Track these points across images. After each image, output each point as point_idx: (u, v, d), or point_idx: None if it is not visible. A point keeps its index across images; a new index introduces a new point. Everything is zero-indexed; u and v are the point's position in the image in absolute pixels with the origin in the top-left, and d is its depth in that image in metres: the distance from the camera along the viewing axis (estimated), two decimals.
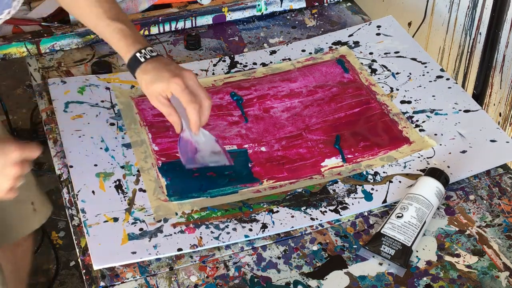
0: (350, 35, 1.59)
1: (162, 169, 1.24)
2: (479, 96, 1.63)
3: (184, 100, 1.13)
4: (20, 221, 1.48)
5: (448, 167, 1.25)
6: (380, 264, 1.11)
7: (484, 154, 1.29)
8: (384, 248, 1.10)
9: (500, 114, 1.84)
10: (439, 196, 1.17)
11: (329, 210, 1.19)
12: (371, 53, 1.53)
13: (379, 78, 1.46)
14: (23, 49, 1.51)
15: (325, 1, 1.71)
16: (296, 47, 1.56)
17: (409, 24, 2.03)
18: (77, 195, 1.19)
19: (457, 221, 1.18)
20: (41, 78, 1.47)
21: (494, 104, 1.85)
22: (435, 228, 1.17)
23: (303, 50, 1.55)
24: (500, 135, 1.32)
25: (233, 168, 1.25)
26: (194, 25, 1.62)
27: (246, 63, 1.51)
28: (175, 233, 1.14)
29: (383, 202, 1.20)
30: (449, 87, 1.44)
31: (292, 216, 1.18)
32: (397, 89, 1.43)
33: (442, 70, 1.48)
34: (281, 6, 1.67)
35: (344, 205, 1.20)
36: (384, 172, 1.25)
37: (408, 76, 1.47)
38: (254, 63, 1.51)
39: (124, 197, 1.20)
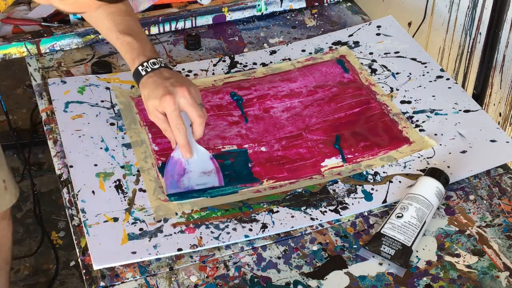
0: (350, 35, 1.59)
1: (162, 169, 1.24)
2: (479, 96, 1.63)
3: (171, 123, 1.16)
4: None
5: (448, 167, 1.26)
6: (380, 264, 1.11)
7: (484, 154, 1.29)
8: (384, 248, 1.10)
9: (500, 114, 1.84)
10: (439, 196, 1.17)
11: (329, 210, 1.19)
12: (371, 53, 1.53)
13: (379, 78, 1.46)
14: (23, 49, 1.51)
15: (325, 1, 1.71)
16: (296, 47, 1.56)
17: (409, 24, 2.03)
18: (77, 195, 1.19)
19: (457, 221, 1.18)
20: (41, 78, 1.47)
21: (494, 104, 1.85)
22: (435, 228, 1.17)
23: (303, 50, 1.55)
24: (500, 135, 1.32)
25: (233, 168, 1.25)
26: (194, 25, 1.62)
27: (246, 63, 1.51)
28: (175, 233, 1.14)
29: (383, 202, 1.20)
30: (449, 87, 1.44)
31: (292, 216, 1.18)
32: (397, 89, 1.43)
33: (442, 70, 1.48)
34: (281, 6, 1.67)
35: (344, 205, 1.20)
36: (384, 172, 1.25)
37: (408, 76, 1.47)
38: (254, 63, 1.51)
39: (124, 197, 1.20)
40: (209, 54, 1.55)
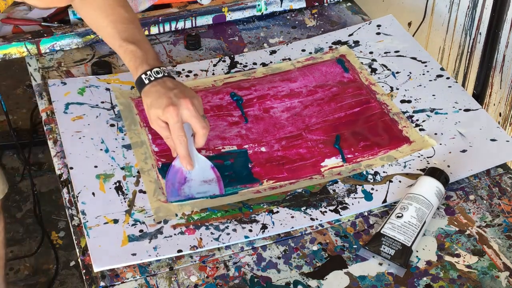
0: (350, 35, 1.59)
1: (162, 170, 1.24)
2: (479, 96, 1.63)
3: (173, 135, 1.17)
4: None
5: (448, 166, 1.25)
6: (380, 264, 1.11)
7: (484, 153, 1.28)
8: (384, 248, 1.10)
9: (500, 114, 1.84)
10: (439, 196, 1.17)
11: (329, 210, 1.19)
12: (371, 53, 1.53)
13: (379, 78, 1.46)
14: (23, 49, 1.51)
15: (325, 1, 1.71)
16: (296, 47, 1.56)
17: (409, 24, 2.03)
18: (77, 197, 1.19)
19: (457, 221, 1.18)
20: (41, 78, 1.47)
21: (494, 104, 1.85)
22: (435, 228, 1.17)
23: (303, 50, 1.55)
24: (500, 134, 1.32)
25: (233, 169, 1.25)
26: (194, 25, 1.62)
27: (246, 63, 1.51)
28: (175, 234, 1.14)
29: (383, 202, 1.20)
30: (449, 86, 1.44)
31: (292, 217, 1.18)
32: (397, 89, 1.43)
33: (442, 69, 1.48)
34: (281, 6, 1.67)
35: (344, 205, 1.20)
36: (384, 172, 1.25)
37: (408, 75, 1.47)
38: (254, 63, 1.51)
39: (124, 198, 1.20)
40: (209, 54, 1.55)
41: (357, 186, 1.23)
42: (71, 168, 1.24)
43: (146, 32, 1.58)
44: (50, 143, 1.32)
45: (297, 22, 1.66)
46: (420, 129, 1.34)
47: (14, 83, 2.76)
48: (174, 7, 1.63)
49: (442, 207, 1.20)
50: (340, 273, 1.10)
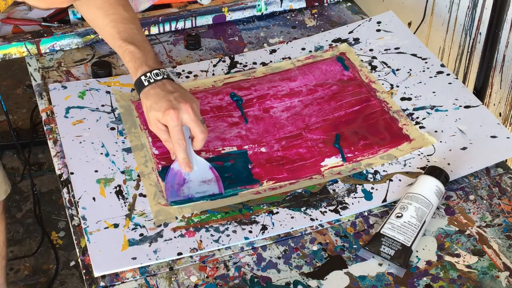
0: (350, 32, 1.59)
1: (163, 173, 1.24)
2: (479, 96, 1.63)
3: (172, 138, 1.18)
4: None
5: (449, 164, 1.25)
6: (380, 264, 1.11)
7: (484, 150, 1.28)
8: (383, 248, 1.10)
9: (500, 114, 1.84)
10: (439, 195, 1.17)
11: (329, 210, 1.19)
12: (371, 50, 1.53)
13: (379, 75, 1.46)
14: (23, 49, 1.51)
15: (325, 1, 1.71)
16: (296, 46, 1.56)
17: (409, 24, 2.03)
18: (78, 202, 1.19)
19: (457, 221, 1.18)
20: (41, 78, 1.47)
21: (494, 104, 1.85)
22: (435, 228, 1.16)
23: (303, 49, 1.55)
24: (501, 130, 1.32)
25: (233, 170, 1.25)
26: (194, 25, 1.62)
27: (246, 63, 1.51)
28: (175, 237, 1.14)
29: (383, 201, 1.20)
30: (450, 83, 1.44)
31: (292, 217, 1.18)
32: (397, 86, 1.43)
33: (442, 65, 1.48)
34: (281, 6, 1.67)
35: (344, 205, 1.20)
36: (384, 171, 1.25)
37: (408, 72, 1.47)
38: (254, 63, 1.51)
39: (125, 202, 1.19)
40: (209, 54, 1.55)
41: (357, 186, 1.23)
42: (72, 173, 1.24)
43: (146, 32, 1.58)
44: (50, 143, 1.32)
45: (297, 22, 1.66)
46: (420, 127, 1.34)
47: (14, 83, 2.76)
48: (174, 7, 1.63)
49: (442, 207, 1.20)
50: (340, 273, 1.10)
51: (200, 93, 1.41)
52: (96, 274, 1.08)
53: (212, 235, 1.14)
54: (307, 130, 1.34)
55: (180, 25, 1.61)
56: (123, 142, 1.31)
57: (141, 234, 1.14)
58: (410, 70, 1.47)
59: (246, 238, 1.14)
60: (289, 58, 1.52)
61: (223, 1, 1.64)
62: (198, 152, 1.24)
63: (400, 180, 1.24)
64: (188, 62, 1.52)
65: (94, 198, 1.20)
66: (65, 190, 1.23)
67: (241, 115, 1.37)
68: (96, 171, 1.25)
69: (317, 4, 1.70)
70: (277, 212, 1.18)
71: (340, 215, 1.18)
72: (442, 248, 1.13)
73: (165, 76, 1.22)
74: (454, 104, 1.39)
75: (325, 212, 1.19)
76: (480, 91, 1.62)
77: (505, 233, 1.16)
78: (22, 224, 2.25)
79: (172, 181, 1.21)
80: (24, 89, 2.74)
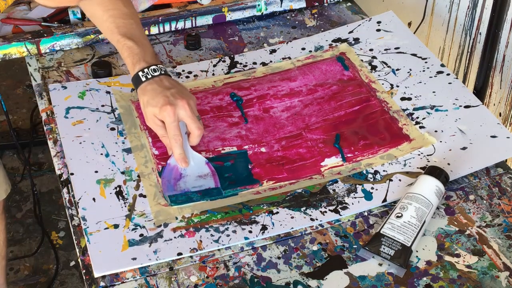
0: (350, 32, 1.59)
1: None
2: (479, 96, 1.63)
3: (169, 134, 1.19)
4: None
5: (448, 164, 1.25)
6: (380, 264, 1.11)
7: (484, 150, 1.28)
8: (383, 248, 1.10)
9: (500, 114, 1.84)
10: (438, 195, 1.17)
11: (329, 210, 1.19)
12: (371, 50, 1.53)
13: (379, 75, 1.46)
14: (23, 49, 1.51)
15: (325, 1, 1.71)
16: (296, 46, 1.56)
17: (409, 24, 2.03)
18: (78, 202, 1.19)
19: (457, 221, 1.18)
20: (41, 78, 1.47)
21: (494, 104, 1.85)
22: (435, 228, 1.16)
23: (303, 49, 1.55)
24: (501, 130, 1.32)
25: (233, 170, 1.25)
26: (194, 25, 1.62)
27: (246, 63, 1.51)
28: (175, 237, 1.14)
29: (383, 201, 1.20)
30: (450, 83, 1.44)
31: (292, 217, 1.18)
32: (397, 86, 1.43)
33: (442, 65, 1.48)
34: (281, 6, 1.67)
35: (344, 205, 1.20)
36: (384, 171, 1.25)
37: (408, 72, 1.47)
38: (254, 63, 1.51)
39: (125, 203, 1.19)
40: (209, 54, 1.55)
41: (357, 186, 1.23)
42: (72, 174, 1.24)
43: (146, 32, 1.58)
44: (50, 143, 1.32)
45: (297, 22, 1.66)
46: (420, 127, 1.34)
47: (14, 83, 2.76)
48: (174, 7, 1.63)
49: (442, 207, 1.20)
50: (340, 273, 1.10)
51: (200, 93, 1.41)
52: (96, 274, 1.08)
53: (212, 235, 1.14)
54: (307, 130, 1.34)
55: (180, 25, 1.61)
56: (123, 143, 1.31)
57: (141, 235, 1.14)
58: (410, 70, 1.47)
59: (246, 238, 1.14)
60: (289, 58, 1.52)
61: (223, 1, 1.64)
62: (198, 151, 1.24)
63: (400, 180, 1.24)
64: (188, 62, 1.52)
65: (94, 199, 1.20)
66: (65, 190, 1.23)
67: (241, 115, 1.37)
68: (96, 171, 1.25)
69: (317, 4, 1.70)
70: (277, 212, 1.18)
71: (340, 215, 1.18)
72: (442, 248, 1.13)
73: (163, 72, 1.22)
74: (454, 104, 1.39)
75: (325, 212, 1.19)
76: (480, 91, 1.62)
77: (505, 233, 1.16)
78: (22, 224, 2.25)
79: (169, 176, 1.21)
80: (24, 89, 2.74)
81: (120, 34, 1.26)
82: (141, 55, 1.23)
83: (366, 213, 1.19)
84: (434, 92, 1.41)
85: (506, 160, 1.30)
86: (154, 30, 1.59)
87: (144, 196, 1.21)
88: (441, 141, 1.30)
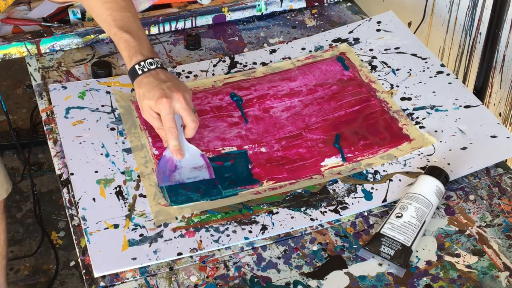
0: (350, 32, 1.59)
1: None
2: (479, 96, 1.63)
3: (164, 126, 1.20)
4: None
5: (449, 164, 1.25)
6: (380, 264, 1.11)
7: (484, 150, 1.28)
8: (383, 248, 1.10)
9: (500, 114, 1.84)
10: (438, 195, 1.17)
11: (329, 210, 1.19)
12: (371, 50, 1.53)
13: (379, 75, 1.46)
14: (23, 49, 1.51)
15: (325, 1, 1.71)
16: (296, 45, 1.56)
17: (409, 24, 2.03)
18: (78, 202, 1.19)
19: (457, 221, 1.18)
20: (41, 78, 1.47)
21: (494, 104, 1.85)
22: (435, 228, 1.16)
23: (303, 49, 1.55)
24: (501, 130, 1.32)
25: (233, 170, 1.25)
26: (194, 25, 1.62)
27: (246, 63, 1.51)
28: (175, 237, 1.14)
29: (383, 201, 1.20)
30: (450, 83, 1.44)
31: (292, 217, 1.18)
32: (397, 86, 1.43)
33: (442, 65, 1.48)
34: (281, 6, 1.67)
35: (344, 205, 1.20)
36: (384, 171, 1.25)
37: (408, 72, 1.47)
38: (254, 63, 1.51)
39: (125, 203, 1.19)
40: (209, 54, 1.55)
41: (357, 186, 1.23)
42: (72, 174, 1.24)
43: (146, 32, 1.58)
44: (50, 143, 1.32)
45: (297, 22, 1.66)
46: (420, 127, 1.34)
47: (14, 83, 2.76)
48: (174, 7, 1.63)
49: (442, 207, 1.20)
50: (340, 273, 1.10)
51: (200, 93, 1.41)
52: (96, 274, 1.08)
53: (212, 235, 1.14)
54: (307, 130, 1.34)
55: (180, 25, 1.61)
56: (123, 143, 1.31)
57: (141, 235, 1.14)
58: (410, 70, 1.47)
59: (246, 238, 1.14)
60: (289, 58, 1.52)
61: (223, 1, 1.64)
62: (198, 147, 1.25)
63: (400, 180, 1.24)
64: (188, 62, 1.52)
65: (94, 199, 1.20)
66: (65, 190, 1.23)
67: (241, 115, 1.37)
68: (96, 171, 1.25)
69: (317, 4, 1.70)
70: (277, 212, 1.18)
71: (340, 215, 1.18)
72: (442, 248, 1.13)
73: (159, 65, 1.23)
74: (454, 104, 1.39)
75: (325, 212, 1.19)
76: (480, 91, 1.62)
77: (505, 233, 1.16)
78: (22, 224, 2.25)
79: (164, 167, 1.23)
80: (24, 89, 2.74)
81: (117, 27, 1.26)
82: (138, 48, 1.24)
83: (366, 213, 1.19)
84: (434, 92, 1.41)
85: (506, 160, 1.30)
86: (154, 30, 1.59)
87: (144, 196, 1.21)
88: (441, 141, 1.30)
